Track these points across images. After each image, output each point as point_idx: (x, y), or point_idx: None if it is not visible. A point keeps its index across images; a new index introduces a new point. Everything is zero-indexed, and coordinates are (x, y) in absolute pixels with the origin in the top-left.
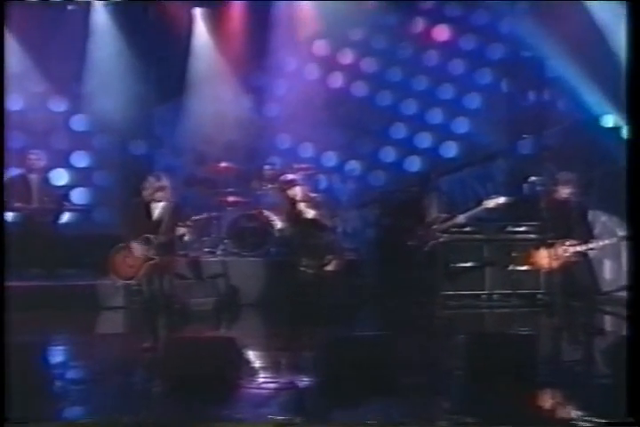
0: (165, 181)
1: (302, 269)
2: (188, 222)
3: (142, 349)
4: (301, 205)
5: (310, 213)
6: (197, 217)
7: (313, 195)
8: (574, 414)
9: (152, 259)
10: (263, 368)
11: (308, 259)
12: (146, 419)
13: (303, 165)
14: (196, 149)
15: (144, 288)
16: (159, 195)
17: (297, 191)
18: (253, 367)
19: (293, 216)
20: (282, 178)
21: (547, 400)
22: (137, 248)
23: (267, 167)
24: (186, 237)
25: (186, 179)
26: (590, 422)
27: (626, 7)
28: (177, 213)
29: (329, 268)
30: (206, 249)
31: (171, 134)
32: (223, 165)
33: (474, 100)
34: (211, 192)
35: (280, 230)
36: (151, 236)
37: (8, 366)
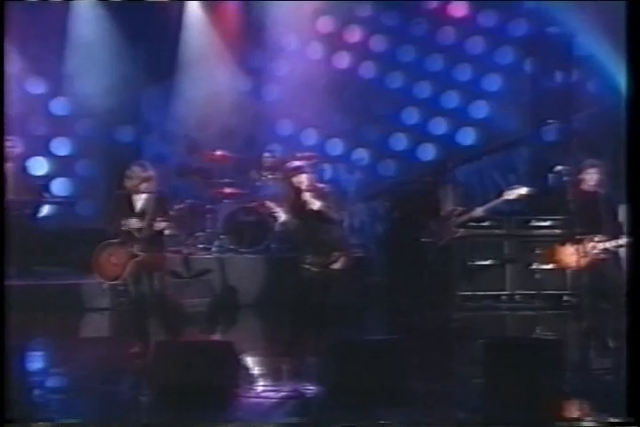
0: (152, 171)
1: (306, 266)
2: (171, 212)
3: (130, 354)
4: (307, 195)
5: (316, 205)
6: (180, 206)
7: (320, 185)
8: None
9: (137, 256)
10: (263, 375)
11: (313, 256)
12: None
13: (306, 154)
14: (188, 135)
15: (131, 288)
16: (144, 186)
17: (303, 179)
18: (252, 374)
19: (297, 207)
20: (287, 164)
21: (572, 410)
22: (121, 245)
23: (266, 155)
24: (167, 231)
25: (177, 168)
26: (590, 421)
27: (626, 7)
28: (162, 204)
29: (336, 266)
30: (200, 245)
31: (160, 119)
32: (218, 153)
33: (494, 82)
34: (205, 183)
35: (282, 224)
36: (135, 231)
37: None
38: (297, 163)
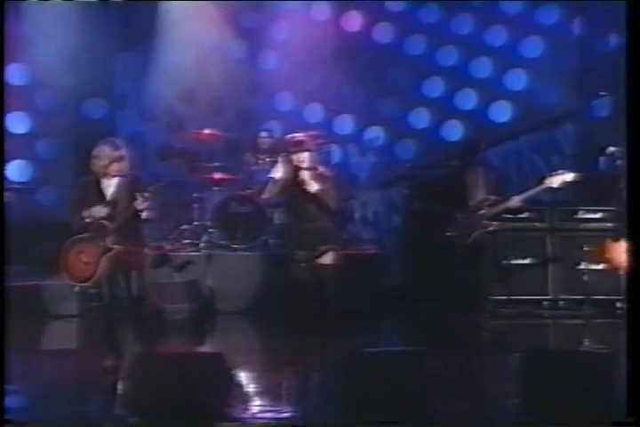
0: (124, 151)
1: (294, 262)
2: (145, 194)
3: (101, 369)
4: (306, 175)
5: (314, 187)
6: (156, 186)
7: (322, 167)
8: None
9: (110, 250)
10: (260, 393)
11: (299, 248)
12: None
13: (310, 133)
14: (170, 110)
15: (104, 290)
16: (115, 168)
17: (305, 158)
18: (246, 392)
19: (293, 188)
20: (289, 138)
21: None
22: (92, 240)
23: (263, 135)
24: (145, 215)
25: (158, 150)
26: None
27: (626, 7)
28: (136, 188)
29: (322, 261)
30: (186, 240)
31: (137, 92)
32: (207, 131)
33: (534, 47)
34: (191, 167)
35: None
36: (106, 221)
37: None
38: (300, 137)
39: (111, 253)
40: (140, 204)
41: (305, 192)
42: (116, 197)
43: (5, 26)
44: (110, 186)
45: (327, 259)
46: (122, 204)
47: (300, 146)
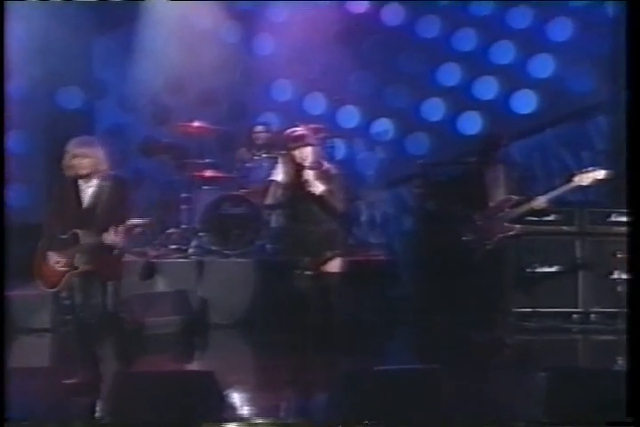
0: (100, 148)
1: (297, 270)
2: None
3: (71, 387)
4: (309, 175)
5: (319, 188)
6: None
7: (327, 164)
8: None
9: (84, 265)
10: (255, 415)
11: (303, 255)
12: None
13: (311, 126)
14: (155, 100)
15: (78, 301)
16: (84, 165)
17: (308, 154)
18: (240, 414)
19: (295, 189)
20: (289, 132)
21: None
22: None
23: (259, 128)
24: (137, 232)
25: (142, 145)
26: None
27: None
28: (119, 192)
29: (329, 268)
30: (173, 246)
31: (118, 79)
32: (196, 124)
33: (563, 29)
34: (179, 164)
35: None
36: (79, 231)
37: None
38: (301, 131)
39: (79, 271)
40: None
41: (309, 193)
42: (91, 203)
43: (5, 26)
44: (90, 188)
45: (333, 266)
46: (99, 215)
47: (301, 141)
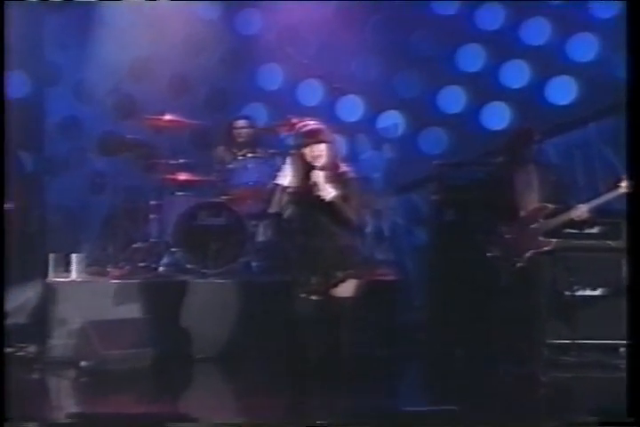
0: None
1: (301, 294)
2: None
3: None
4: (319, 177)
5: (331, 194)
6: None
7: (345, 166)
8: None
9: None
10: None
11: (309, 276)
12: None
13: (307, 120)
14: (118, 88)
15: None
16: None
17: (321, 152)
18: None
19: (303, 194)
20: (300, 126)
21: None
22: None
23: (242, 123)
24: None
25: (102, 141)
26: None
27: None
28: None
29: (340, 292)
30: (141, 263)
31: (74, 63)
32: (168, 117)
33: (607, 5)
34: (147, 164)
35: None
36: None
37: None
38: (315, 125)
39: None
40: None
41: (318, 198)
42: None
43: (5, 26)
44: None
45: (345, 290)
46: None
47: (314, 136)
